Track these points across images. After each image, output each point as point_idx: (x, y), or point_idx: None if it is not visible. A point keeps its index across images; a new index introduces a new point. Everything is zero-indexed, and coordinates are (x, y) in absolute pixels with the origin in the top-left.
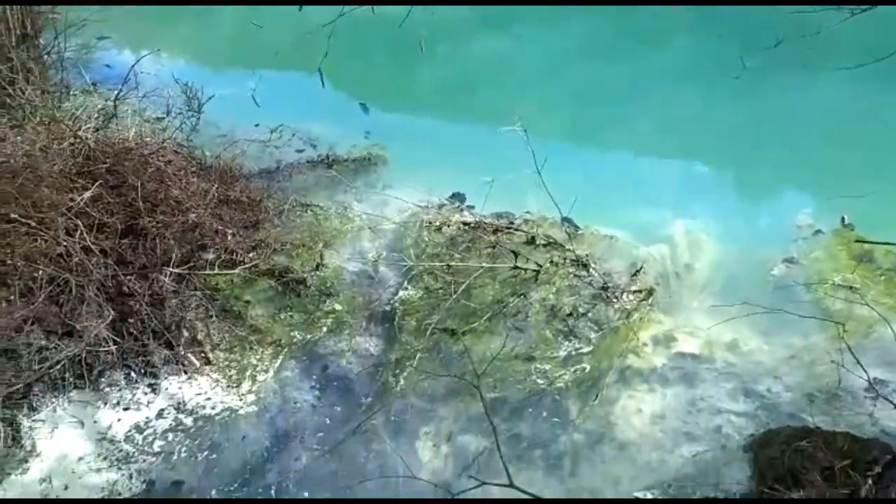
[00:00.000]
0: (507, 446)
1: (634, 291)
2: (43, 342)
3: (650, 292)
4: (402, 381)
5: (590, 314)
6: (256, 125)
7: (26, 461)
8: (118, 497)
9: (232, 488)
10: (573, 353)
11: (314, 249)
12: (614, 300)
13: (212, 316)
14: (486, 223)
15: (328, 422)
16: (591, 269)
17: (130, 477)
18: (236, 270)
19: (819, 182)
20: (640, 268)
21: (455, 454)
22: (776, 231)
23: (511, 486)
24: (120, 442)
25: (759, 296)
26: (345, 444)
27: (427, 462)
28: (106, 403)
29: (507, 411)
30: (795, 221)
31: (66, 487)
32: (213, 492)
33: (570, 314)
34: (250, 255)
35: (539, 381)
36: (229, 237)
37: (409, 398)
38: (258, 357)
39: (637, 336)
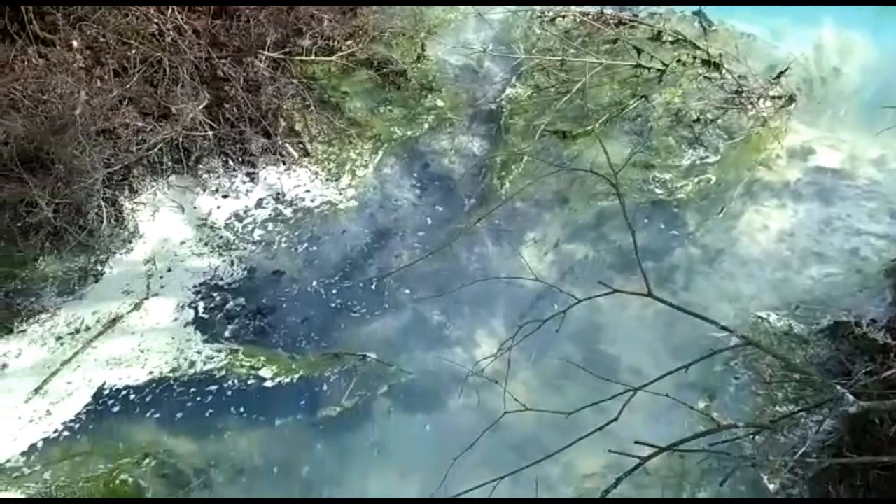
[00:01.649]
0: (615, 256)
1: (773, 97)
2: (139, 123)
3: (790, 99)
4: (507, 185)
5: (719, 121)
6: None
7: (130, 241)
8: (219, 282)
9: (332, 281)
10: (698, 162)
11: (415, 39)
12: (749, 106)
13: (309, 106)
14: (606, 15)
15: (429, 221)
16: (723, 71)
17: (232, 263)
18: (333, 58)
19: None
20: (784, 70)
21: (560, 261)
22: None
23: (649, 295)
24: (220, 229)
25: None
26: (447, 244)
27: (533, 264)
28: (205, 190)
29: (620, 221)
30: None
31: (169, 269)
32: (315, 283)
33: (697, 120)
34: (348, 42)
35: (658, 190)
36: (325, 23)
37: (515, 202)
38: (357, 151)
39: (779, 144)
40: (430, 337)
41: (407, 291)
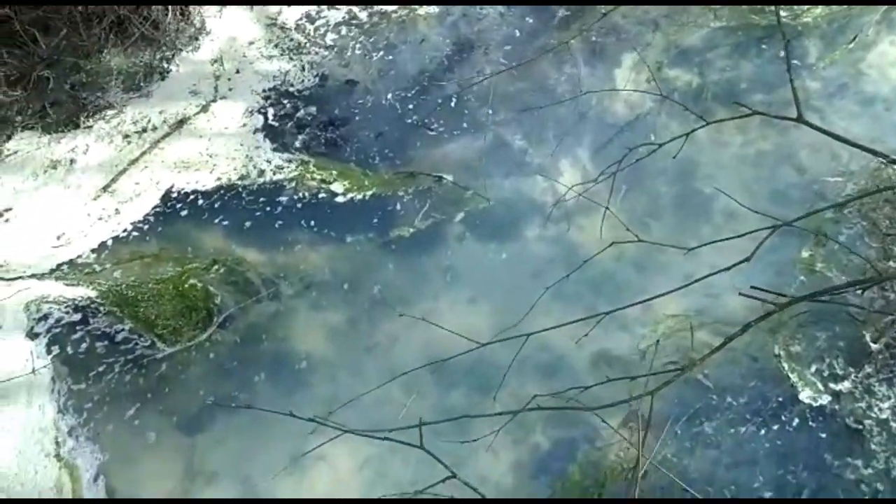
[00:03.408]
0: (722, 85)
1: None
2: None
3: None
4: None
5: None
6: None
7: (197, 38)
8: (289, 88)
9: (408, 94)
10: None
11: None
12: None
13: None
14: None
15: (517, 34)
16: None
17: (303, 69)
18: None
19: None
20: None
21: (660, 86)
22: None
23: (798, 119)
24: (290, 30)
25: None
26: (534, 62)
27: (624, 93)
28: None
29: (727, 46)
30: None
31: (237, 71)
32: (390, 95)
33: None
34: None
35: (781, 12)
36: None
37: (614, 17)
38: None
39: None
40: (510, 162)
41: (489, 111)
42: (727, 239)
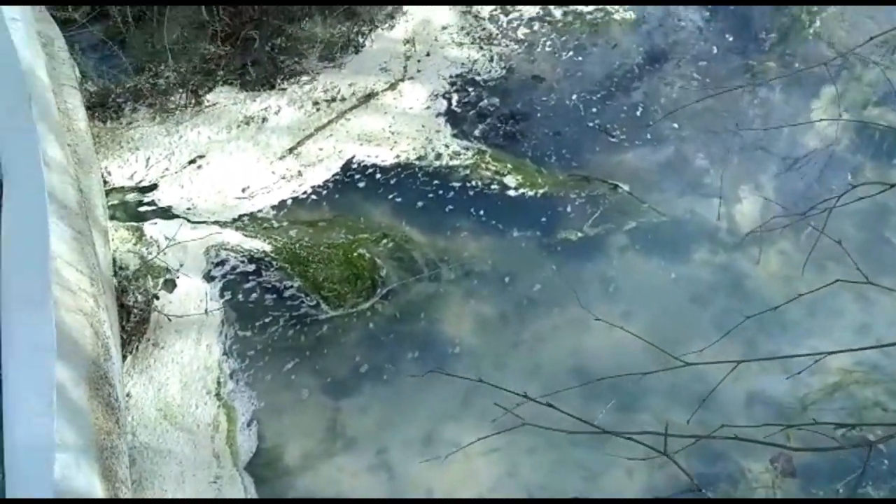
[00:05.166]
0: None
1: None
2: None
3: None
4: (817, 22)
5: None
6: None
7: (393, 17)
8: (476, 77)
9: (593, 98)
10: None
11: None
12: None
13: None
14: None
15: (714, 51)
16: None
17: (490, 59)
18: None
19: None
20: None
21: (859, 128)
22: None
23: None
24: (484, 20)
25: None
26: (727, 81)
27: (818, 127)
28: None
29: None
30: None
31: (427, 54)
32: (574, 96)
33: None
34: None
35: None
36: None
37: (819, 45)
38: None
39: None
40: (688, 180)
41: (674, 126)
42: None
